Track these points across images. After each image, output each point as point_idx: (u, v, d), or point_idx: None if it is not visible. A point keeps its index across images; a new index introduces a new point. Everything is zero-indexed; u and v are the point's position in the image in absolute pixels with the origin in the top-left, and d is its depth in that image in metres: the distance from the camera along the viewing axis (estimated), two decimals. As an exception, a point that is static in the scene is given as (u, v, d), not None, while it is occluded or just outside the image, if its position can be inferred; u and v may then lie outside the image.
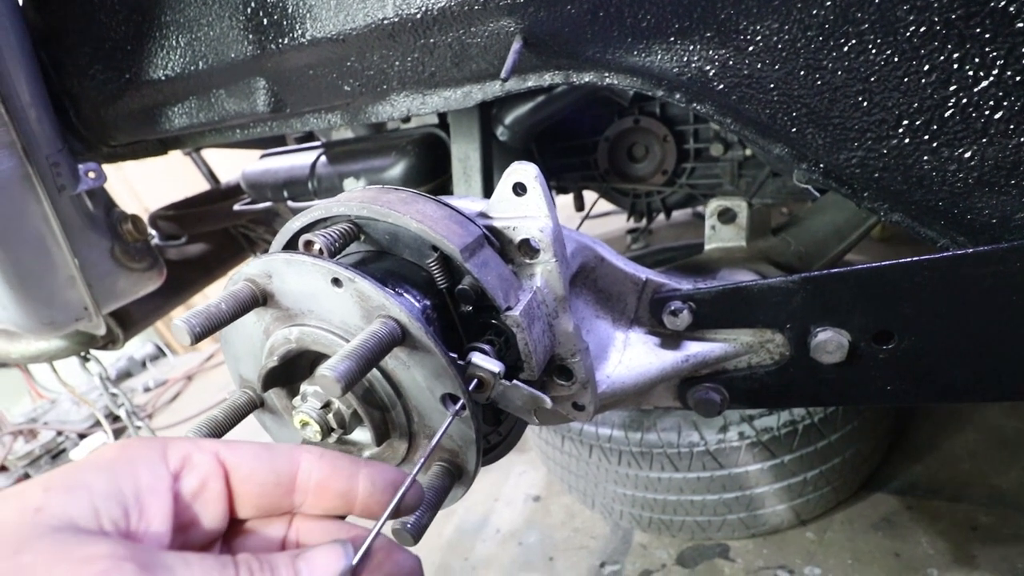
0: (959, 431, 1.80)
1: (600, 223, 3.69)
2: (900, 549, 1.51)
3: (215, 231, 1.90)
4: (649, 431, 1.53)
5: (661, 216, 2.06)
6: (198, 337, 0.43)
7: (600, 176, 1.81)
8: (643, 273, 0.71)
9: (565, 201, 2.31)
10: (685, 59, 0.63)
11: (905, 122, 0.57)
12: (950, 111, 0.55)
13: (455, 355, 0.48)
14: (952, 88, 0.54)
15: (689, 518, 1.62)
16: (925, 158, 0.58)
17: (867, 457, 1.64)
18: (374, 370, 0.48)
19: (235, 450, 0.38)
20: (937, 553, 1.47)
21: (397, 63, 0.78)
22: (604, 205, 2.23)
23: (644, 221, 2.05)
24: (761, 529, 1.62)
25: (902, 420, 1.87)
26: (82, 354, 1.49)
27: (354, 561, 0.36)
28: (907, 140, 0.58)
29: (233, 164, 1.94)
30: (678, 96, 0.67)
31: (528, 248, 0.55)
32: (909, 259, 0.58)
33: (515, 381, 0.52)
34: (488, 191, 1.10)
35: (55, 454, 3.57)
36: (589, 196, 2.11)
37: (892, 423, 1.76)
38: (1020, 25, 0.50)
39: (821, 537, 1.60)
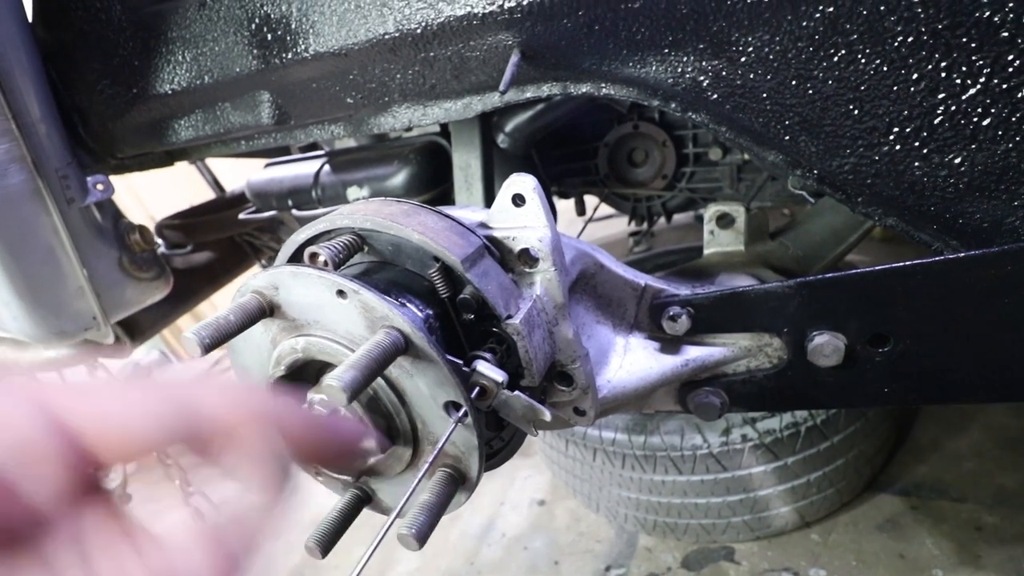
0: (963, 431, 1.80)
1: (603, 226, 3.69)
2: (905, 550, 1.51)
3: (221, 239, 1.92)
4: (652, 434, 1.53)
5: (663, 219, 2.07)
6: (208, 349, 0.44)
7: (601, 181, 1.82)
8: (642, 279, 0.73)
9: (567, 206, 2.32)
10: (679, 70, 0.64)
11: (896, 129, 0.58)
12: (939, 118, 0.56)
13: (459, 362, 0.50)
14: (941, 96, 0.56)
15: (694, 521, 1.62)
16: (916, 164, 0.59)
17: (871, 458, 1.64)
18: (378, 379, 0.49)
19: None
20: (942, 554, 1.47)
21: (398, 76, 0.79)
22: (606, 208, 2.25)
23: (645, 225, 2.06)
24: (766, 531, 1.63)
25: (906, 421, 1.87)
26: (90, 363, 1.51)
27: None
28: (898, 147, 0.59)
29: (238, 173, 1.97)
30: (673, 106, 0.68)
31: (528, 257, 0.56)
32: (902, 263, 0.59)
33: (517, 392, 0.53)
34: (489, 198, 1.12)
35: (63, 462, 3.59)
36: (590, 201, 2.13)
37: (895, 424, 1.76)
38: (1005, 35, 0.51)
39: (826, 539, 1.60)
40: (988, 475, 1.64)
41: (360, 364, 0.41)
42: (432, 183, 1.25)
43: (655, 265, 2.24)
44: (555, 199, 2.10)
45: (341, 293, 0.47)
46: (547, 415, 0.53)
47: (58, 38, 1.00)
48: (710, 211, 0.96)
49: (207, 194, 2.28)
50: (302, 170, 1.43)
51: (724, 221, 0.96)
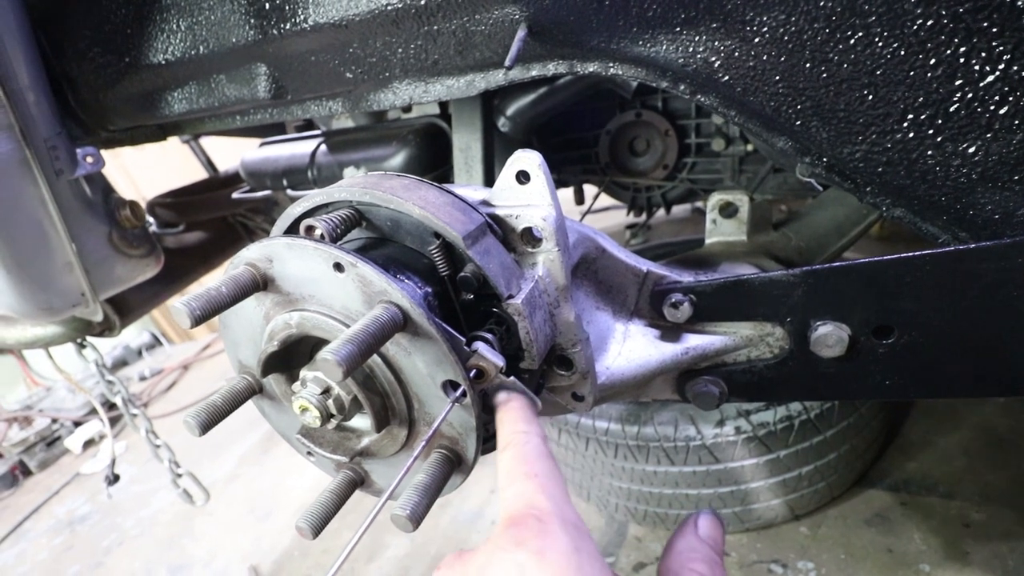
0: (953, 429, 1.81)
1: (600, 218, 3.68)
2: (893, 545, 1.52)
3: (213, 220, 1.89)
4: (646, 425, 1.53)
5: (661, 212, 2.05)
6: (198, 320, 0.43)
7: (601, 170, 1.81)
8: (644, 265, 0.71)
9: (566, 195, 2.31)
10: (691, 50, 0.62)
11: (910, 116, 0.57)
12: (955, 106, 0.55)
13: (462, 339, 0.48)
14: (958, 82, 0.54)
15: (684, 512, 1.63)
16: (929, 153, 0.58)
17: (861, 453, 1.65)
18: (375, 356, 0.47)
19: None
20: (929, 549, 1.48)
21: (400, 50, 0.77)
22: (604, 200, 2.23)
23: (644, 216, 2.05)
24: (755, 523, 1.63)
25: (897, 417, 1.88)
26: (78, 341, 1.48)
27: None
28: (912, 134, 0.58)
29: (232, 153, 1.93)
30: (683, 87, 0.66)
31: (530, 237, 0.54)
32: (911, 253, 0.58)
33: (513, 378, 0.51)
34: (489, 182, 1.10)
35: (50, 441, 3.57)
36: (589, 191, 2.11)
37: (887, 420, 1.77)
38: (1028, 19, 0.49)
39: (815, 532, 1.61)
40: (977, 472, 1.65)
41: (357, 339, 0.39)
42: (431, 165, 1.23)
43: (651, 257, 2.22)
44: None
45: (338, 266, 0.45)
46: (538, 404, 0.52)
47: (49, 3, 0.97)
48: (713, 200, 0.95)
49: (200, 173, 2.25)
50: (298, 149, 1.40)
51: (727, 210, 0.95)
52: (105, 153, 1.15)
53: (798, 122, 0.62)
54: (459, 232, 0.49)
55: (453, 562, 0.38)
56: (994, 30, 0.51)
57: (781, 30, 0.57)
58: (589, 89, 1.35)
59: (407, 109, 1.32)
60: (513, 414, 0.48)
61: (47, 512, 3.01)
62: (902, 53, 0.55)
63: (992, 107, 0.54)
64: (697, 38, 0.61)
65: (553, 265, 0.55)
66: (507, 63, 0.64)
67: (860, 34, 0.55)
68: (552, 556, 0.34)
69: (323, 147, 1.36)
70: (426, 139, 1.24)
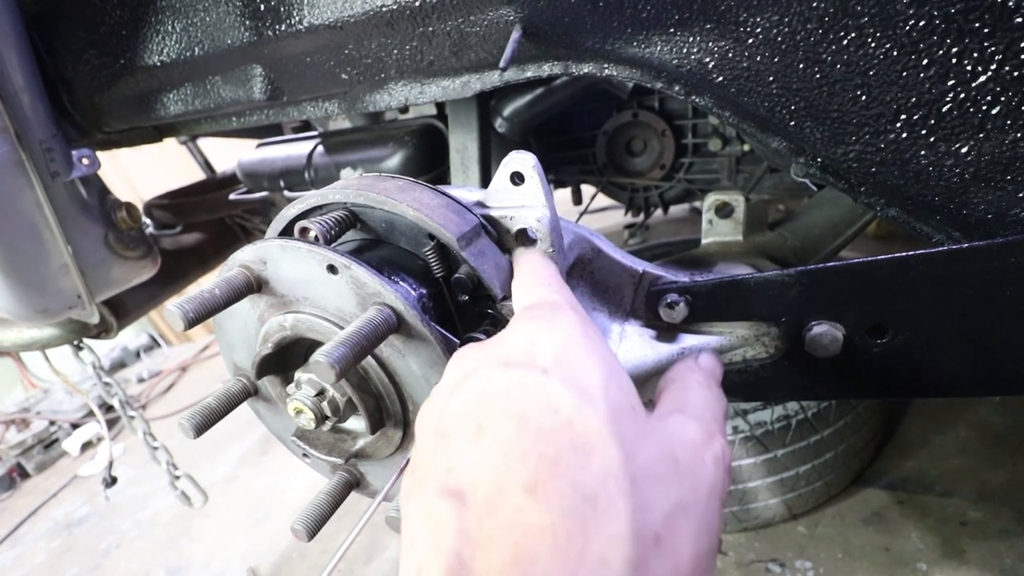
0: (950, 427, 1.81)
1: (597, 218, 3.69)
2: (890, 543, 1.52)
3: (210, 221, 1.89)
4: (643, 425, 1.53)
5: (659, 212, 2.06)
6: (191, 323, 0.43)
7: (598, 170, 1.81)
8: (640, 265, 0.72)
9: (563, 195, 2.31)
10: (684, 51, 0.63)
11: (903, 116, 0.57)
12: (948, 106, 0.55)
13: (456, 340, 0.48)
14: (950, 83, 0.54)
15: (682, 511, 1.63)
16: (922, 153, 0.58)
17: (859, 452, 1.65)
18: (369, 358, 0.47)
19: None
20: (927, 548, 1.48)
21: (395, 52, 0.77)
22: (602, 200, 2.23)
23: (641, 216, 2.05)
24: (753, 523, 1.63)
25: (894, 416, 1.88)
26: (75, 343, 1.48)
27: None
28: (904, 135, 0.58)
29: (229, 153, 1.93)
30: (677, 88, 0.67)
31: (525, 238, 0.55)
32: (904, 253, 0.58)
33: None
34: (486, 182, 1.10)
35: (48, 444, 3.56)
36: (587, 191, 2.11)
37: (884, 419, 1.77)
38: (1019, 20, 0.50)
39: (812, 531, 1.61)
40: (974, 471, 1.65)
41: (350, 341, 0.39)
42: (428, 166, 1.23)
43: (650, 257, 2.23)
44: (552, 187, 2.08)
45: (332, 268, 0.45)
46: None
47: (43, 5, 0.97)
48: (709, 200, 0.95)
49: (197, 174, 2.25)
50: (295, 151, 1.40)
51: (723, 210, 0.95)
52: (102, 154, 1.15)
53: (792, 123, 0.62)
54: (453, 234, 0.49)
55: (471, 348, 0.40)
56: (986, 30, 0.51)
57: (774, 31, 0.58)
58: (586, 90, 1.35)
59: (404, 110, 1.32)
60: (529, 268, 0.50)
61: (45, 515, 3.01)
62: (895, 54, 0.55)
63: (984, 107, 0.54)
64: (691, 39, 0.61)
65: (548, 266, 0.55)
66: (502, 64, 0.65)
67: (853, 35, 0.55)
68: (562, 325, 0.38)
69: (320, 148, 1.36)
70: (423, 140, 1.24)
